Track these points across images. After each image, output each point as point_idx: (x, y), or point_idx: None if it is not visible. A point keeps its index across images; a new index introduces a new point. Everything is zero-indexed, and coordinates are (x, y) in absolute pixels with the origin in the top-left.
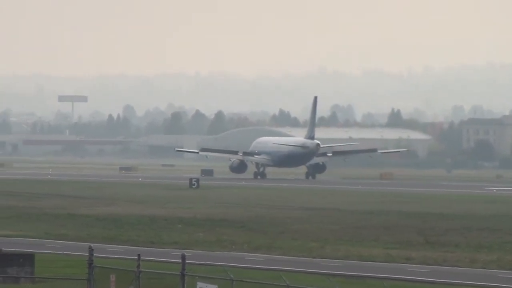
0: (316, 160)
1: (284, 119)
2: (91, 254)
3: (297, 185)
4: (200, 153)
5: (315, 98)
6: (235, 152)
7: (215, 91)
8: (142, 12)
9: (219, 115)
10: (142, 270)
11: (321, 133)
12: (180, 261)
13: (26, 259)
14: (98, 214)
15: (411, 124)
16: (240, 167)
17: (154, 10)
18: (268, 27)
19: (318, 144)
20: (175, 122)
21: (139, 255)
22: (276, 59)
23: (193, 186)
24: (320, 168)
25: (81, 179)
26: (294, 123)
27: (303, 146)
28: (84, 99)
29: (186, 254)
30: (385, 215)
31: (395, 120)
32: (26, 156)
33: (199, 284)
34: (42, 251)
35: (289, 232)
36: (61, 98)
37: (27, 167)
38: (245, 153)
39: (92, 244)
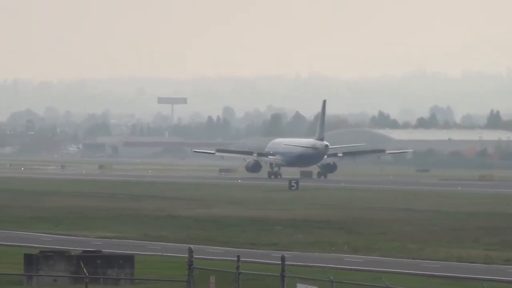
0: (327, 160)
1: (383, 121)
2: (190, 256)
3: (390, 186)
4: (216, 153)
5: (324, 101)
6: (250, 153)
7: (315, 92)
8: (241, 14)
9: (319, 117)
10: (242, 271)
11: (420, 134)
12: (280, 262)
13: (126, 261)
14: (198, 216)
15: (511, 125)
16: (255, 167)
17: (252, 11)
18: (367, 29)
19: (327, 145)
20: (275, 123)
21: (238, 256)
22: (375, 60)
23: (293, 188)
24: (331, 168)
25: (181, 181)
26: (393, 124)
27: (313, 147)
28: (183, 100)
29: (285, 255)
30: (485, 217)
31: (495, 121)
32: (125, 158)
33: (299, 285)
34: (142, 252)
35: (388, 233)
36: (161, 100)
37: (127, 168)
38: (260, 154)
39: (191, 246)
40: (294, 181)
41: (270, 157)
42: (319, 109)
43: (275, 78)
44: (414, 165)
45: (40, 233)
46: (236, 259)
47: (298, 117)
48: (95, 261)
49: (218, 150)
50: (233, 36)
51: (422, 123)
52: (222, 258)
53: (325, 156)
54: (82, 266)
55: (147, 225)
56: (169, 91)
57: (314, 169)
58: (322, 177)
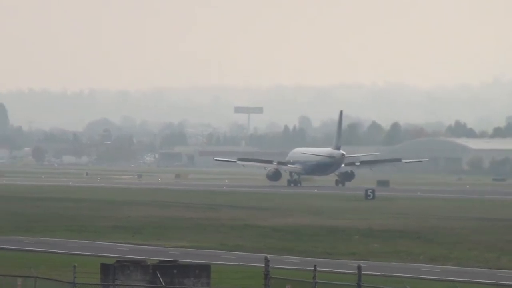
0: (345, 168)
1: (460, 130)
2: (267, 265)
3: (467, 196)
4: (238, 162)
5: (341, 112)
6: (270, 162)
7: (391, 101)
8: (318, 23)
9: (395, 126)
10: (318, 281)
11: (496, 143)
12: (356, 272)
13: (202, 270)
14: (275, 225)
15: None
16: (275, 175)
17: (329, 21)
18: (444, 38)
19: (343, 154)
20: (351, 133)
21: (315, 266)
22: (452, 69)
23: (369, 197)
24: (349, 176)
25: (257, 190)
26: (470, 133)
27: (330, 156)
28: (260, 110)
29: (362, 265)
30: None
31: None
32: (201, 167)
33: None
34: (219, 262)
35: (465, 242)
36: (237, 109)
37: (203, 178)
38: (279, 163)
39: (268, 255)
40: (371, 190)
41: (290, 165)
42: (395, 118)
43: (352, 87)
44: (491, 174)
45: (117, 243)
46: (312, 268)
47: (374, 126)
48: (171, 271)
49: (239, 159)
50: (310, 45)
51: (498, 132)
52: (299, 267)
53: (343, 165)
54: (159, 276)
55: (223, 235)
56: (246, 100)
57: (332, 177)
58: (340, 185)
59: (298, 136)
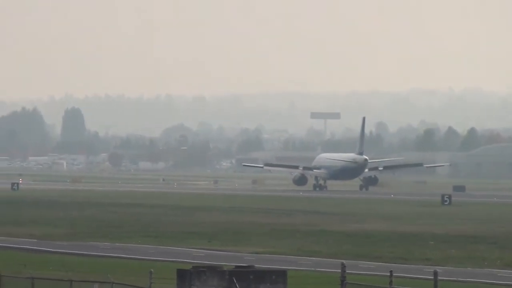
0: (369, 173)
1: None
2: (343, 271)
3: None
4: (265, 167)
5: (364, 118)
6: (296, 167)
7: (468, 107)
8: (394, 29)
9: (472, 131)
10: (394, 286)
11: None
12: (432, 277)
13: (278, 276)
14: (350, 231)
15: None
16: (301, 180)
17: (405, 27)
18: None
19: (366, 159)
20: (427, 138)
21: (391, 271)
22: None
23: (445, 203)
24: (372, 181)
25: (333, 196)
26: None
27: (353, 161)
28: (336, 116)
29: (438, 270)
30: None
31: None
32: (278, 173)
33: None
34: (295, 267)
35: None
36: (314, 115)
37: (279, 183)
38: (305, 168)
39: (344, 261)
40: (447, 196)
41: (315, 170)
42: (472, 124)
43: (429, 92)
44: None
45: (193, 249)
46: (388, 274)
47: (450, 132)
48: (247, 276)
49: (266, 164)
50: (385, 50)
51: None
52: (375, 273)
53: (366, 170)
54: (235, 281)
55: (300, 240)
56: (322, 106)
57: (357, 182)
58: (364, 189)
59: (375, 142)
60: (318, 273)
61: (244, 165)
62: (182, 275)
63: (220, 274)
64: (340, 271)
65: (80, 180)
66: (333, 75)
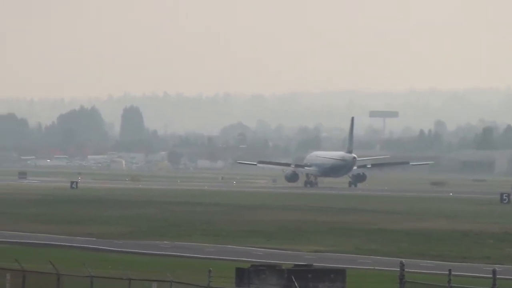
0: (357, 171)
1: None
2: (402, 270)
3: None
4: (258, 165)
5: (352, 118)
6: (288, 164)
7: None
8: (452, 25)
9: None
10: (453, 285)
11: None
12: (491, 276)
13: (337, 275)
14: (408, 229)
15: None
16: (292, 177)
17: (464, 23)
18: None
19: (354, 157)
20: (486, 137)
21: (450, 270)
22: None
23: (504, 201)
24: (361, 178)
25: (391, 194)
26: None
27: (342, 159)
28: (395, 114)
29: (497, 269)
30: None
31: None
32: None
33: None
34: (353, 266)
35: None
36: (372, 114)
37: (337, 182)
38: (297, 165)
39: (402, 259)
40: (506, 194)
41: (307, 168)
42: None
43: (487, 90)
44: None
45: (251, 247)
46: (447, 273)
47: (509, 130)
48: (306, 275)
49: (260, 162)
50: (443, 48)
51: None
52: (434, 272)
53: (355, 167)
54: (294, 280)
55: (358, 239)
56: (381, 105)
57: (346, 179)
58: (353, 186)
59: (434, 140)
60: (377, 272)
61: (238, 163)
62: (241, 273)
63: (279, 273)
64: (398, 269)
65: (139, 178)
66: (392, 73)
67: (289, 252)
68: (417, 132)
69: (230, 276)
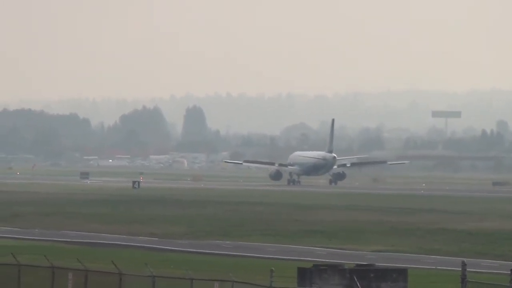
0: (337, 169)
1: None
2: (464, 269)
3: None
4: (244, 164)
5: (333, 120)
6: (273, 163)
7: None
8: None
9: None
10: None
11: None
12: None
13: (399, 274)
14: (470, 229)
15: None
16: (276, 176)
17: None
18: None
19: (334, 157)
20: None
21: (511, 270)
22: None
23: None
24: (341, 176)
25: (454, 194)
26: None
27: (323, 159)
28: (457, 114)
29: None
30: None
31: None
32: (398, 171)
33: None
34: (415, 266)
35: None
36: (435, 114)
37: (400, 182)
38: (280, 164)
39: (464, 259)
40: None
41: (290, 167)
42: None
43: None
44: None
45: (313, 247)
46: (509, 272)
47: None
48: (368, 275)
49: (245, 161)
50: (506, 48)
51: None
52: (496, 271)
53: (335, 166)
54: (356, 280)
55: (420, 238)
56: (443, 105)
57: (326, 177)
58: (333, 184)
59: (496, 140)
60: (439, 271)
61: (225, 162)
62: (303, 273)
63: (340, 273)
64: (460, 269)
65: (201, 178)
66: (454, 73)
67: (351, 251)
68: (479, 132)
69: (292, 275)
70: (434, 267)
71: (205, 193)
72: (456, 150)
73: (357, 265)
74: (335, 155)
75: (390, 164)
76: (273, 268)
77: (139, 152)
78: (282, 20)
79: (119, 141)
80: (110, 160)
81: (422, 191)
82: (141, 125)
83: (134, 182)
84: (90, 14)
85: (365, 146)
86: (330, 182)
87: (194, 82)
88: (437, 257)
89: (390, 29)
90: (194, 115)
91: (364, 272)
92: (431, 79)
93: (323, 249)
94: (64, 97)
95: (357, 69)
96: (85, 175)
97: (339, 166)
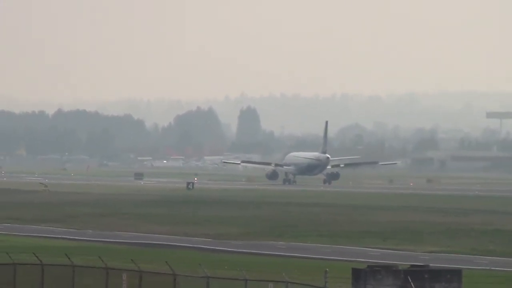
0: (331, 170)
1: None
2: None
3: None
4: (241, 164)
5: (326, 122)
6: (269, 164)
7: None
8: None
9: None
10: None
11: None
12: None
13: (453, 275)
14: None
15: None
16: (273, 175)
17: None
18: None
19: (328, 157)
20: None
21: None
22: None
23: None
24: (335, 176)
25: (509, 195)
26: None
27: (317, 159)
28: (511, 115)
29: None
30: None
31: None
32: (454, 172)
33: None
34: (470, 267)
35: None
36: (489, 115)
37: (455, 183)
38: (276, 165)
39: None
40: None
41: (285, 167)
42: None
43: None
44: None
45: (368, 248)
46: None
47: None
48: (422, 275)
49: (243, 161)
50: None
51: None
52: None
53: (329, 167)
54: (410, 280)
55: (474, 239)
56: (498, 106)
57: (320, 177)
58: (327, 183)
59: None
60: (493, 272)
61: (224, 162)
62: (357, 274)
63: (395, 273)
64: None
65: (254, 179)
66: (509, 74)
67: (405, 252)
68: None
69: (347, 276)
70: (488, 268)
71: (259, 194)
72: (510, 151)
73: (412, 265)
74: (328, 155)
75: (382, 164)
76: (327, 269)
77: (193, 153)
78: (337, 21)
79: (173, 142)
80: (164, 161)
81: (477, 192)
82: (195, 126)
83: (188, 183)
84: (146, 16)
85: (420, 147)
86: (324, 181)
87: (248, 83)
88: (492, 258)
89: (444, 29)
90: (248, 116)
91: (418, 273)
92: (486, 80)
93: (378, 250)
94: (118, 98)
95: (411, 70)
96: (139, 176)
97: (333, 166)
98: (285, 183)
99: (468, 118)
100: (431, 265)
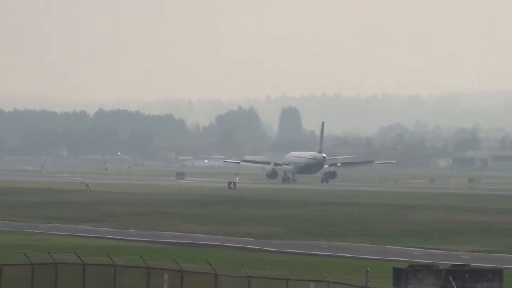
0: (328, 168)
1: None
2: None
3: None
4: (241, 163)
5: (323, 123)
6: (268, 163)
7: None
8: None
9: None
10: None
11: None
12: None
13: (494, 275)
14: None
15: None
16: (272, 174)
17: None
18: None
19: (324, 157)
20: None
21: None
22: None
23: None
24: (332, 175)
25: None
26: None
27: (314, 158)
28: None
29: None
30: None
31: None
32: (495, 172)
33: None
34: (511, 266)
35: None
36: None
37: (497, 182)
38: (276, 164)
39: None
40: None
41: (284, 166)
42: None
43: None
44: None
45: (409, 247)
46: None
47: None
48: (463, 275)
49: (243, 160)
50: None
51: None
52: None
53: (326, 165)
54: (451, 280)
55: None
56: None
57: (318, 176)
58: (325, 182)
59: None
60: None
61: (225, 161)
62: (399, 273)
63: (436, 273)
64: None
65: (295, 179)
66: None
67: (446, 252)
68: None
69: (388, 276)
70: None
71: (300, 194)
72: None
73: (453, 265)
74: (324, 155)
75: (377, 163)
76: (369, 268)
77: (234, 152)
78: (377, 22)
79: (215, 142)
80: (206, 161)
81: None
82: (237, 125)
83: (229, 183)
84: (189, 17)
85: (460, 147)
86: (322, 180)
87: (289, 82)
88: None
89: (484, 29)
90: (290, 116)
91: (459, 272)
92: None
93: (419, 249)
94: (159, 98)
95: (452, 69)
96: (180, 175)
97: (330, 165)
98: (284, 181)
99: (508, 117)
100: (472, 264)
